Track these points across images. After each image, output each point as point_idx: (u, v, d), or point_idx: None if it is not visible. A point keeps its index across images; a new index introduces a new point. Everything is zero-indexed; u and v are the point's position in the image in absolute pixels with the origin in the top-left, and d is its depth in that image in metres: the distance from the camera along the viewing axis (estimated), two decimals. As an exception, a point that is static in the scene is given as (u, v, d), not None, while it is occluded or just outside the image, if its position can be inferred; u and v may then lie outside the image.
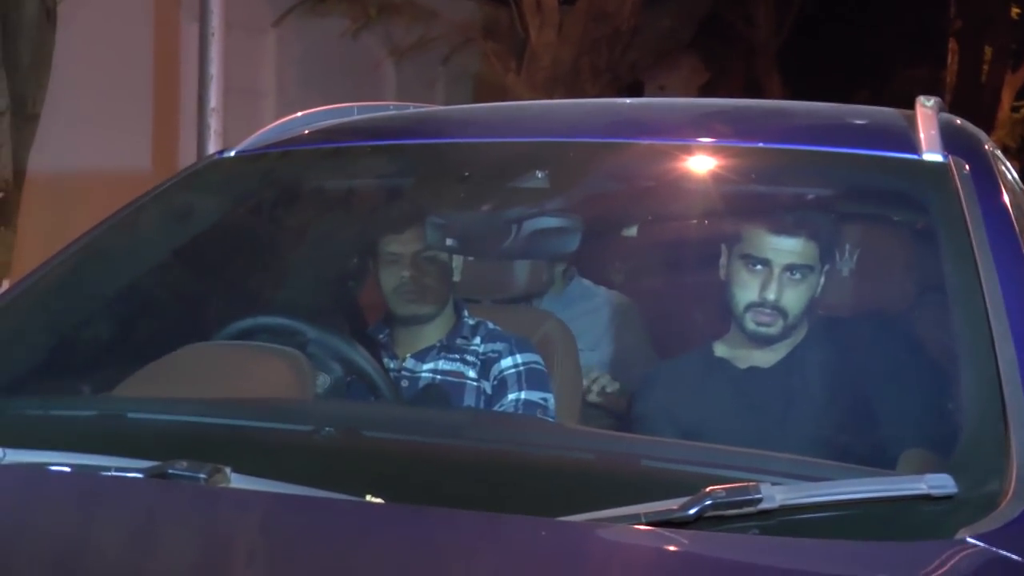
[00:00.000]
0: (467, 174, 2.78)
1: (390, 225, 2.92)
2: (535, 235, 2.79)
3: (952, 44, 20.69)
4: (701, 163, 2.58)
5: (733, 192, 2.67)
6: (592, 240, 3.14)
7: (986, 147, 2.56)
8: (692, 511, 1.62)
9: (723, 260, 2.71)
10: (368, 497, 1.76)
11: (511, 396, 2.87)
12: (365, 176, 2.95)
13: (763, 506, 1.64)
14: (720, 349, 2.75)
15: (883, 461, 2.30)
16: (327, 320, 2.81)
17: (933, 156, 2.33)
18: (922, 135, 2.38)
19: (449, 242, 2.84)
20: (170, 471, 1.79)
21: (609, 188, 2.87)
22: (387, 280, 2.94)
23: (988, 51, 19.84)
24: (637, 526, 1.63)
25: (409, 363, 2.97)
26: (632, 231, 3.32)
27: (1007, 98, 20.27)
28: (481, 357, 2.94)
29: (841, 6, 18.97)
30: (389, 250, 2.93)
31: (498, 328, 3.00)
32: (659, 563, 1.61)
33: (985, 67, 19.81)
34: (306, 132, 2.85)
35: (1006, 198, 2.30)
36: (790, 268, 2.61)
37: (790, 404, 2.62)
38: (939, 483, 1.68)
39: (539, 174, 2.69)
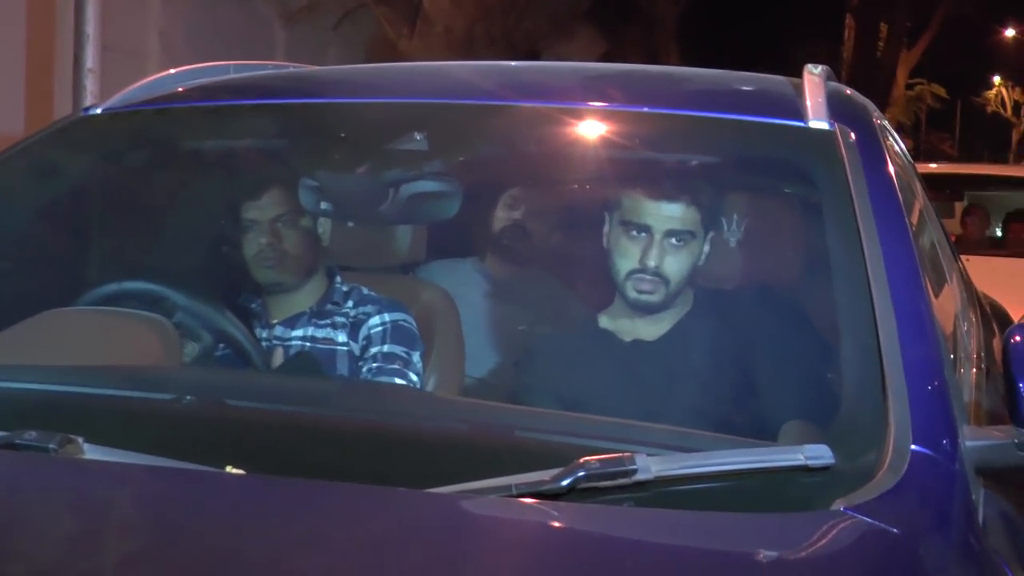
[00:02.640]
0: (343, 135, 2.73)
1: (248, 190, 2.85)
2: (413, 199, 2.75)
3: (849, 20, 21.01)
4: (584, 127, 2.56)
5: (616, 157, 2.65)
6: (471, 206, 3.10)
7: (873, 117, 2.57)
8: (564, 482, 1.60)
9: (606, 228, 2.68)
10: (228, 468, 1.71)
11: (373, 349, 2.84)
12: (239, 136, 2.89)
13: (638, 477, 1.62)
14: (604, 321, 2.73)
15: (765, 433, 2.31)
16: (197, 287, 2.74)
17: (819, 124, 2.33)
18: (809, 102, 2.38)
19: (323, 205, 2.78)
20: (17, 441, 1.72)
21: (490, 152, 2.83)
22: (246, 247, 2.88)
23: (884, 28, 20.18)
24: (508, 498, 1.60)
25: (278, 330, 2.92)
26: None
27: (902, 75, 20.66)
28: (351, 320, 2.89)
29: (741, -20, 19.18)
30: (247, 216, 2.86)
31: (372, 293, 2.96)
32: (530, 535, 1.58)
33: (881, 44, 20.14)
34: (179, 90, 2.78)
35: (891, 168, 2.31)
36: (671, 234, 2.59)
37: (674, 377, 2.61)
38: (816, 454, 1.68)
39: (417, 136, 2.65)
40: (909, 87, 21.44)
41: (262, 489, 1.67)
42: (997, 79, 32.86)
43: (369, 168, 2.81)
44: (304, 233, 2.90)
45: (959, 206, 9.78)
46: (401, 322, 2.88)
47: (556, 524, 1.59)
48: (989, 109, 32.69)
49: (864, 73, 18.62)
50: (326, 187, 2.77)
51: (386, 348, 2.83)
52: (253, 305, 2.96)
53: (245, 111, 2.73)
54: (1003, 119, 32.13)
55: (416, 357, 2.84)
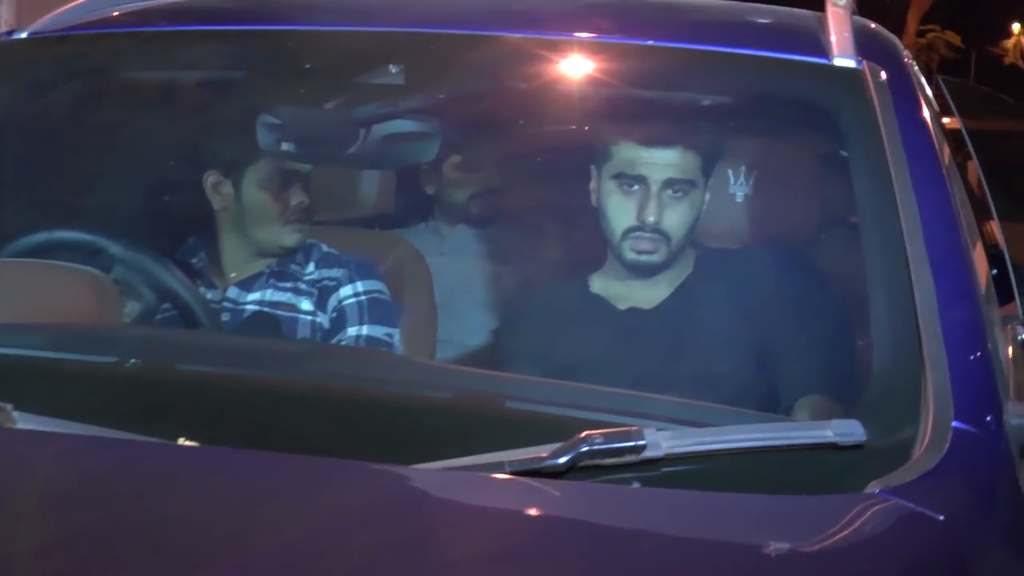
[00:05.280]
0: (308, 66, 2.69)
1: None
2: (387, 140, 2.71)
3: (855, -42, 21.00)
4: (579, 63, 2.54)
5: (614, 97, 2.63)
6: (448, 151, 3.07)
7: (904, 56, 2.56)
8: (564, 459, 1.59)
9: (593, 184, 2.66)
10: (181, 440, 1.70)
11: (351, 331, 2.80)
12: (189, 67, 2.84)
13: (647, 454, 1.61)
14: (597, 284, 2.72)
15: (778, 409, 2.32)
16: (139, 238, 2.70)
17: (845, 61, 2.32)
18: (833, 37, 2.37)
19: (284, 146, 2.74)
20: None
21: (474, 87, 2.80)
22: (274, 204, 2.83)
23: (894, -33, 20.22)
24: (500, 476, 1.60)
25: (232, 292, 2.86)
26: None
27: (913, 21, 20.73)
28: (317, 286, 2.86)
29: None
30: (288, 167, 2.83)
31: (334, 251, 2.92)
32: (525, 518, 1.58)
33: (890, -14, 20.19)
34: (115, 13, 2.73)
35: (926, 112, 2.30)
36: (669, 184, 2.58)
37: (675, 348, 2.61)
38: (846, 430, 1.67)
39: (393, 69, 2.61)
40: (920, 34, 21.53)
41: (221, 463, 1.65)
42: (1016, 27, 32.99)
43: (337, 104, 2.77)
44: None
45: (972, 165, 9.80)
46: (376, 294, 2.85)
47: (555, 505, 1.59)
48: (1007, 60, 32.83)
49: (871, 17, 18.61)
50: (288, 125, 2.73)
51: (366, 330, 2.80)
52: (194, 260, 2.91)
53: (196, 39, 2.69)
54: (1022, 71, 32.27)
55: (397, 336, 2.82)
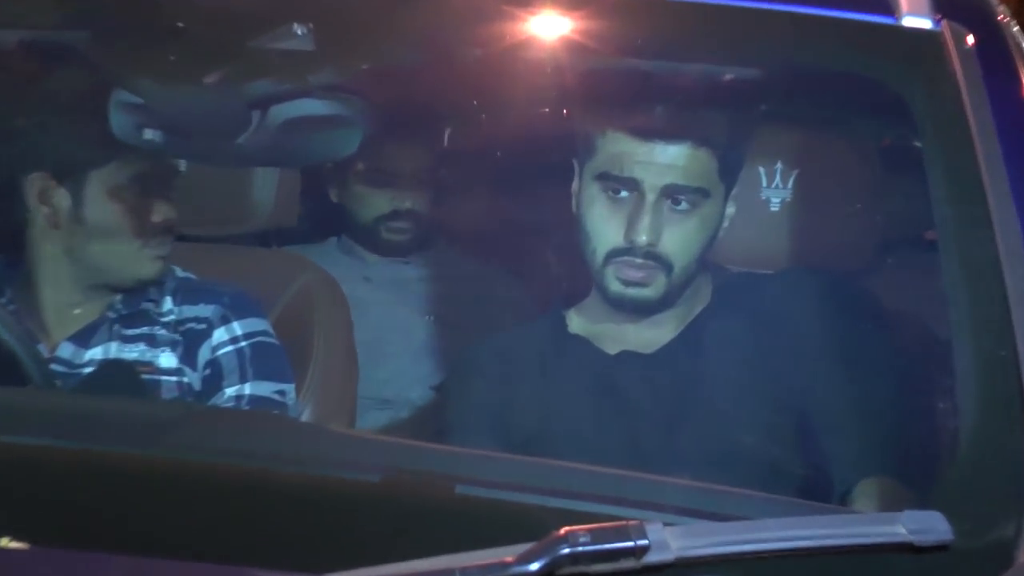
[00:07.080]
0: (181, 25, 2.67)
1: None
2: (290, 127, 2.70)
3: None
4: (553, 22, 2.53)
5: (599, 69, 2.63)
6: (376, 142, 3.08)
7: (998, 12, 2.57)
8: (537, 565, 1.59)
9: (575, 185, 2.70)
10: (4, 541, 1.69)
11: (229, 391, 2.82)
12: (7, 23, 2.82)
13: (651, 558, 1.61)
14: (576, 322, 2.76)
15: (829, 495, 2.34)
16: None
17: (918, 20, 2.33)
18: None
19: (148, 135, 2.72)
20: None
21: (409, 57, 2.79)
22: (127, 217, 2.83)
23: None
24: None
25: (65, 351, 2.85)
26: None
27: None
28: (180, 330, 2.84)
29: None
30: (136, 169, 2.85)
31: (192, 276, 2.93)
32: (484, 648, 1.58)
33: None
34: None
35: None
36: (670, 192, 2.60)
37: (685, 409, 2.63)
38: (924, 525, 1.67)
39: (299, 30, 2.60)
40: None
41: (58, 571, 1.64)
42: None
43: (222, 78, 2.75)
44: None
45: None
46: (261, 337, 2.86)
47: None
48: None
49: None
50: (153, 106, 2.71)
51: (249, 388, 2.81)
52: (2, 301, 2.88)
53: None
54: None
55: (291, 393, 2.83)
